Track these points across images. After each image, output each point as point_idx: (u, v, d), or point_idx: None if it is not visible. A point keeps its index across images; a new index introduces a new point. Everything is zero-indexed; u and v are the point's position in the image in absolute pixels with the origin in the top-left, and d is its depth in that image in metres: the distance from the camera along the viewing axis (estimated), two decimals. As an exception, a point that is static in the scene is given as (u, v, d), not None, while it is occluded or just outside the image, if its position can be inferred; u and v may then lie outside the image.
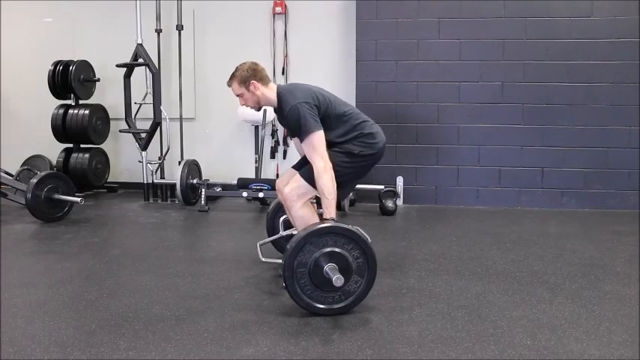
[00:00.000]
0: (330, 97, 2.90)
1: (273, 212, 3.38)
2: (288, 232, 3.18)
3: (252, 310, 2.65)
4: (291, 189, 2.79)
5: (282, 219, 3.22)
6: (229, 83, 2.99)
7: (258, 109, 3.02)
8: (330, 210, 2.64)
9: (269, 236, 3.35)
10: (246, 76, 2.90)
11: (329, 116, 2.82)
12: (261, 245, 3.24)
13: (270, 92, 2.91)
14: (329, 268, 2.49)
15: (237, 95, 2.98)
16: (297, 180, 2.80)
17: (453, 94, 5.19)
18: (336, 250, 2.52)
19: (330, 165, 2.69)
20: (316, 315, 2.55)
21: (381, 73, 5.24)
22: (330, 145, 2.80)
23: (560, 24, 5.02)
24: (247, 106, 2.99)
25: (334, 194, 2.66)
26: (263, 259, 3.11)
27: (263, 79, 2.91)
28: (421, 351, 2.22)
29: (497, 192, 5.23)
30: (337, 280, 2.43)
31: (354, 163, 2.86)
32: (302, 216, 2.77)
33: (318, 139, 2.71)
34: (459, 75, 5.16)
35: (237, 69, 2.96)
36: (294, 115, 2.73)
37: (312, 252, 2.51)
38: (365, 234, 2.61)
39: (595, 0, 4.97)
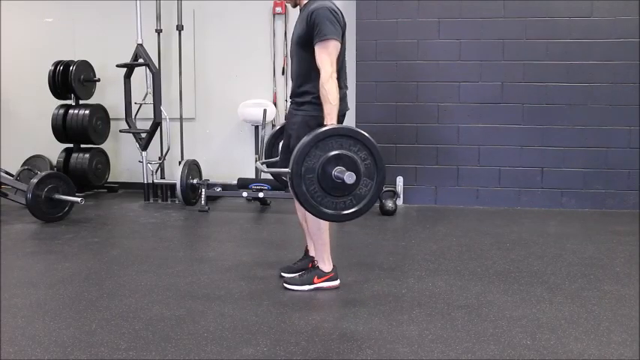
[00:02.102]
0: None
1: (271, 141, 3.28)
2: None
3: (252, 310, 2.65)
4: None
5: (281, 143, 3.12)
6: None
7: (294, 6, 2.89)
8: (332, 116, 2.59)
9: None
10: None
11: (343, 46, 2.74)
12: (261, 163, 3.12)
13: None
14: (338, 171, 2.40)
15: None
16: None
17: (453, 94, 5.19)
18: (343, 152, 2.43)
19: (335, 74, 2.63)
20: (329, 220, 2.45)
21: (381, 73, 5.24)
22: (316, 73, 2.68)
23: (560, 24, 5.02)
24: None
25: (337, 101, 2.60)
26: (265, 170, 3.00)
27: None
28: (421, 351, 2.22)
29: (497, 192, 5.23)
30: (349, 177, 2.35)
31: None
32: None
33: (333, 46, 2.64)
34: (459, 75, 5.16)
35: None
36: (322, 14, 2.63)
37: (318, 156, 2.41)
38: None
39: (595, 0, 4.97)
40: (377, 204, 5.04)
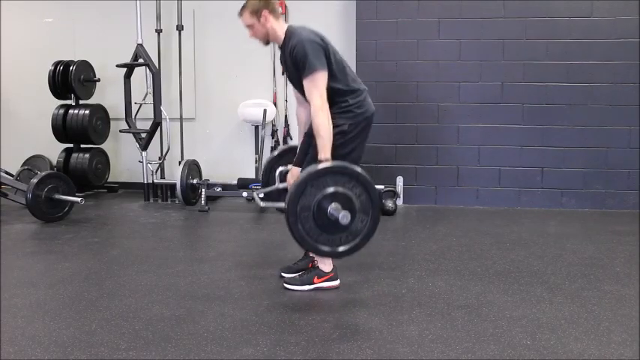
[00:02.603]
0: (335, 50, 2.84)
1: (269, 166, 3.26)
2: (284, 184, 3.09)
3: (252, 310, 2.65)
4: None
5: (277, 171, 3.14)
6: (240, 13, 2.86)
7: (266, 43, 2.93)
8: (324, 150, 2.59)
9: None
10: (259, 6, 2.78)
11: (333, 66, 2.75)
12: (258, 194, 3.15)
13: (279, 27, 2.83)
14: (333, 208, 2.42)
15: (247, 26, 2.87)
16: None
17: (453, 94, 5.19)
18: (338, 189, 2.45)
19: (327, 106, 2.64)
20: (326, 256, 2.48)
21: (381, 73, 5.24)
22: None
23: (560, 24, 5.02)
24: (256, 38, 2.90)
25: (329, 134, 2.61)
26: (262, 204, 3.01)
27: (275, 12, 2.82)
28: (421, 351, 2.22)
29: (497, 192, 5.23)
30: (343, 217, 2.37)
31: (349, 140, 2.78)
32: None
33: (320, 77, 2.66)
34: (459, 75, 5.16)
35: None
36: (301, 49, 2.66)
37: (314, 194, 2.44)
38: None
39: (595, 0, 4.97)
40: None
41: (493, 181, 5.22)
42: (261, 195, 3.20)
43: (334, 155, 2.65)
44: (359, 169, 2.50)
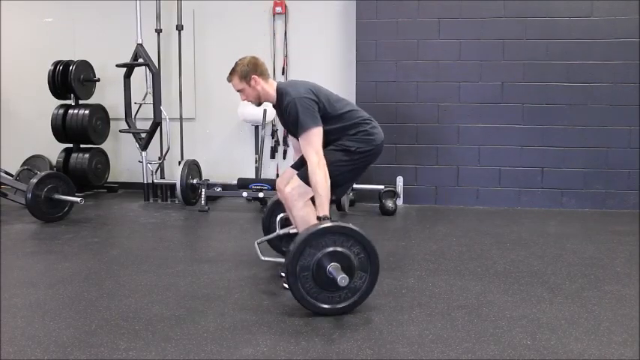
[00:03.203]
0: (328, 93, 2.89)
1: (269, 211, 3.36)
2: (284, 230, 3.18)
3: (252, 310, 2.65)
4: (292, 188, 2.78)
5: (278, 218, 3.21)
6: (229, 79, 2.94)
7: (259, 104, 3.00)
8: (323, 207, 2.63)
9: (265, 235, 3.34)
10: (247, 71, 2.86)
11: (328, 113, 2.81)
12: (258, 244, 3.24)
13: (270, 88, 2.90)
14: (332, 268, 2.49)
15: (238, 91, 2.94)
16: (297, 180, 2.80)
17: (453, 94, 5.19)
18: (337, 249, 2.52)
19: (324, 162, 2.67)
20: (324, 315, 2.54)
21: (381, 73, 5.24)
22: (328, 140, 2.80)
23: (560, 24, 5.02)
24: (249, 101, 2.97)
25: (327, 191, 2.65)
26: (263, 258, 3.11)
27: (263, 74, 2.90)
28: (421, 351, 2.22)
29: (497, 192, 5.23)
30: (342, 280, 2.43)
31: (351, 161, 2.85)
32: (303, 216, 2.77)
33: (315, 134, 2.70)
34: (459, 75, 5.16)
35: (237, 64, 2.91)
36: (293, 109, 2.72)
37: (313, 255, 2.51)
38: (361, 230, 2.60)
39: (595, 0, 4.97)
40: (377, 204, 5.04)
41: (493, 181, 5.22)
42: (264, 242, 3.29)
43: (332, 168, 2.69)
44: (358, 229, 2.56)
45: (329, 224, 2.55)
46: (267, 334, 2.38)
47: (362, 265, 2.57)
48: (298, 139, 2.78)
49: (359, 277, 2.57)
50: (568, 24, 5.01)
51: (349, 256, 2.53)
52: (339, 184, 2.82)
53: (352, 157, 2.84)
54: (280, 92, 2.86)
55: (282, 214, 3.22)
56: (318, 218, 2.62)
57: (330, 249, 2.52)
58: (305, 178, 2.73)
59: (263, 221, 3.40)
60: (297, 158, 3.08)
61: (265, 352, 2.20)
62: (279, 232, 3.21)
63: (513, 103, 5.13)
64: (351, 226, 2.57)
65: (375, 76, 5.25)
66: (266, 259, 3.14)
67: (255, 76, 2.86)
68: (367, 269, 2.58)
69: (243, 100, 2.99)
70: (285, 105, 2.78)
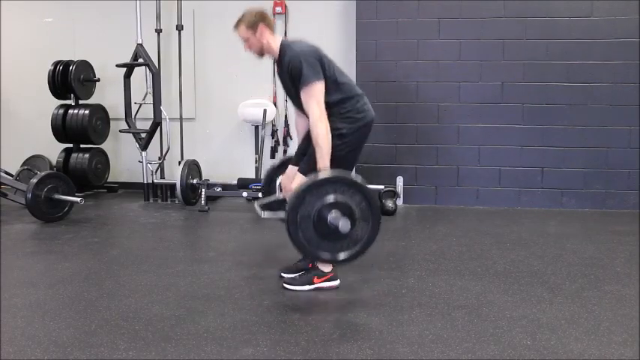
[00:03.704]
0: (331, 60, 2.85)
1: (269, 176, 3.28)
2: (284, 194, 3.10)
3: (252, 310, 2.65)
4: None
5: (278, 181, 3.16)
6: (236, 26, 2.90)
7: (261, 56, 2.95)
8: (323, 160, 2.62)
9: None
10: (255, 21, 2.84)
11: (328, 77, 2.77)
12: (259, 205, 3.19)
13: (274, 41, 2.86)
14: (333, 216, 2.44)
15: (243, 39, 2.90)
16: (300, 176, 2.78)
17: (453, 94, 5.19)
18: (338, 198, 2.48)
19: (325, 115, 2.66)
20: (326, 263, 2.50)
21: (381, 73, 5.24)
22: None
23: (560, 24, 5.02)
24: (251, 51, 2.92)
25: (328, 144, 2.64)
26: (263, 216, 3.04)
27: (270, 27, 2.87)
28: (421, 351, 2.22)
29: (497, 192, 5.23)
30: (343, 225, 2.40)
31: (345, 144, 2.80)
32: None
33: (317, 88, 2.68)
34: (459, 75, 5.16)
35: (244, 13, 2.89)
36: (297, 62, 2.69)
37: (313, 203, 2.46)
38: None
39: (595, 0, 4.97)
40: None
41: (493, 181, 5.22)
42: (262, 205, 3.19)
43: (331, 157, 2.67)
44: (358, 178, 2.53)
45: (329, 174, 2.52)
46: (267, 334, 2.38)
47: (363, 214, 2.51)
48: (300, 94, 2.72)
49: (360, 227, 2.52)
50: (568, 24, 5.01)
51: (350, 206, 2.48)
52: (339, 169, 2.79)
53: (344, 140, 2.79)
54: (284, 47, 2.82)
55: (281, 178, 3.15)
56: (318, 170, 2.59)
57: (331, 198, 2.47)
58: (305, 171, 2.72)
59: (262, 186, 3.32)
60: (295, 153, 3.06)
61: (265, 352, 2.20)
62: (279, 195, 3.14)
63: (513, 103, 5.13)
64: (351, 175, 2.54)
65: (375, 76, 5.24)
66: (266, 215, 3.07)
67: (263, 27, 2.83)
68: (368, 219, 2.53)
69: (246, 49, 2.93)
70: (287, 59, 2.75)
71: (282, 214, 2.59)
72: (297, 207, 2.45)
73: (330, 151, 2.66)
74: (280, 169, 3.20)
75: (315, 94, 2.68)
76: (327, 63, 2.79)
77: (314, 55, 2.74)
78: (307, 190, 2.46)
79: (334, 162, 2.70)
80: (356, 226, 2.50)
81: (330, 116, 2.76)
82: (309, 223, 2.47)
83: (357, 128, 2.82)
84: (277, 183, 3.18)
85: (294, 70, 2.72)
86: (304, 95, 2.71)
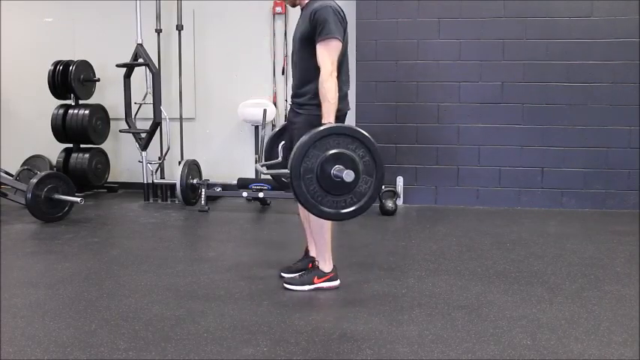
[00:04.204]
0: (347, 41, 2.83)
1: (270, 143, 3.25)
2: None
3: (252, 310, 2.65)
4: None
5: (280, 145, 3.12)
6: None
7: (293, 5, 2.91)
8: (329, 114, 2.60)
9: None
10: None
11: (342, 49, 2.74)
12: (261, 166, 3.15)
13: None
14: (336, 169, 2.41)
15: None
16: None
17: (453, 94, 5.19)
18: (341, 150, 2.44)
19: (336, 73, 2.65)
20: (329, 219, 2.47)
21: (381, 73, 5.24)
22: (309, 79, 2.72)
23: (560, 24, 5.02)
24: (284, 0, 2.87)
25: (335, 100, 2.62)
26: (266, 171, 2.99)
27: None
28: (421, 351, 2.22)
29: (497, 192, 5.23)
30: (347, 175, 2.36)
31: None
32: (322, 224, 2.78)
33: (335, 45, 2.66)
34: (459, 75, 5.16)
35: None
36: (326, 13, 2.64)
37: (317, 156, 2.42)
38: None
39: (595, 0, 4.97)
40: (377, 204, 5.03)
41: (493, 181, 5.22)
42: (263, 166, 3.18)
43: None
44: (362, 131, 2.48)
45: (332, 125, 2.50)
46: (267, 334, 2.38)
47: (367, 168, 2.47)
48: (317, 45, 2.65)
49: (364, 181, 2.48)
50: (568, 24, 5.01)
51: (354, 159, 2.44)
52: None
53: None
54: None
55: (283, 143, 3.12)
56: (323, 124, 2.57)
57: (335, 150, 2.43)
58: None
59: (265, 149, 3.27)
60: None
61: (265, 352, 2.20)
62: (281, 159, 3.11)
63: (513, 103, 5.13)
64: (356, 128, 2.51)
65: (375, 76, 5.24)
66: (268, 171, 3.03)
67: None
68: (372, 174, 2.49)
69: None
70: (316, 7, 2.67)
71: (284, 171, 2.53)
72: (300, 160, 2.40)
73: (337, 106, 2.62)
74: (281, 135, 3.16)
75: (331, 50, 2.65)
76: (346, 36, 2.78)
77: (343, 18, 2.73)
78: (311, 143, 2.41)
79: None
80: (360, 180, 2.46)
81: (317, 93, 2.71)
82: (312, 177, 2.42)
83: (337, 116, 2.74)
84: (279, 147, 3.13)
85: (319, 19, 2.65)
86: (320, 47, 2.65)
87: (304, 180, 2.42)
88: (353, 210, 2.50)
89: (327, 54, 2.65)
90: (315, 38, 2.67)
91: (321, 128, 2.46)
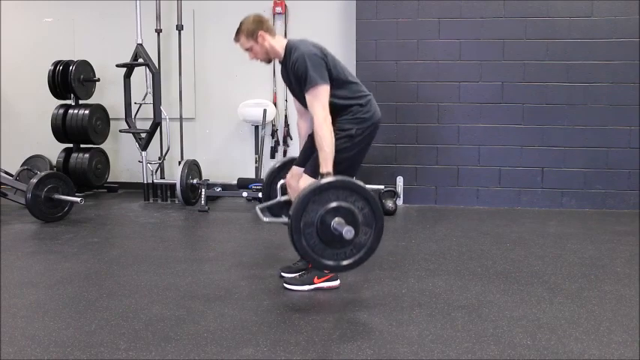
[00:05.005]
0: (336, 60, 2.85)
1: (270, 178, 3.27)
2: (285, 197, 3.12)
3: (252, 310, 2.65)
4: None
5: (279, 184, 3.16)
6: (236, 39, 2.91)
7: (268, 62, 2.95)
8: (326, 163, 2.60)
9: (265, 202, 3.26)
10: (253, 29, 2.83)
11: (334, 76, 2.77)
12: (260, 209, 3.19)
13: (277, 44, 2.85)
14: (336, 223, 2.43)
15: (246, 49, 2.90)
16: (307, 177, 2.77)
17: (453, 94, 5.19)
18: (340, 204, 2.46)
19: (330, 118, 2.65)
20: (330, 271, 2.50)
21: (381, 73, 5.24)
22: (330, 108, 2.73)
23: (560, 24, 5.02)
24: (257, 59, 2.92)
25: (331, 147, 2.62)
26: (265, 220, 3.05)
27: (270, 30, 2.86)
28: (421, 351, 2.22)
29: (497, 192, 5.23)
30: (347, 232, 2.38)
31: (354, 145, 2.80)
32: None
33: (322, 91, 2.67)
34: (459, 75, 5.16)
35: (242, 23, 2.88)
36: (302, 64, 2.68)
37: (316, 210, 2.44)
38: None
39: (595, 0, 4.97)
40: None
41: (493, 181, 5.22)
42: (264, 209, 3.19)
43: (338, 158, 2.66)
44: (360, 183, 2.52)
45: (332, 179, 2.51)
46: (267, 334, 2.38)
47: (366, 220, 2.50)
48: (305, 95, 2.71)
49: (364, 232, 2.51)
50: (568, 24, 5.01)
51: (353, 211, 2.46)
52: (349, 169, 2.78)
53: (354, 140, 2.80)
54: (289, 48, 2.80)
55: (282, 181, 3.15)
56: (321, 175, 2.59)
57: (334, 204, 2.45)
58: (312, 172, 2.71)
59: (263, 189, 3.31)
60: (300, 153, 3.05)
61: (265, 352, 2.20)
62: (281, 198, 3.15)
63: (513, 103, 5.13)
64: (354, 180, 2.53)
65: (375, 76, 5.24)
66: (268, 220, 3.07)
67: (262, 33, 2.82)
68: (372, 224, 2.51)
69: (252, 58, 2.93)
70: (293, 60, 2.73)
71: (284, 219, 2.58)
72: (300, 214, 2.44)
73: (333, 154, 2.64)
74: (281, 171, 3.19)
75: (319, 97, 2.67)
76: (332, 63, 2.78)
77: (320, 56, 2.73)
78: (310, 197, 2.45)
79: (343, 163, 2.69)
80: (359, 232, 2.49)
81: (338, 116, 2.77)
82: (312, 230, 2.46)
83: (365, 128, 2.83)
84: (278, 186, 3.19)
85: (299, 71, 2.70)
86: (309, 97, 2.69)
87: (304, 235, 2.46)
88: (353, 261, 2.54)
89: (316, 102, 2.67)
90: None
91: (321, 182, 2.49)
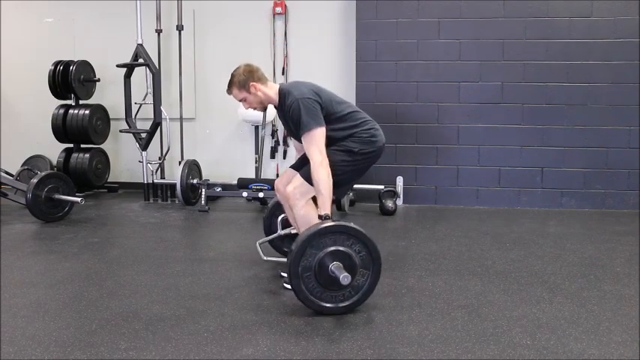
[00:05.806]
0: (331, 95, 2.89)
1: (270, 212, 3.38)
2: (285, 231, 3.19)
3: (252, 310, 2.65)
4: (294, 187, 2.78)
5: (279, 218, 3.24)
6: (229, 91, 2.98)
7: (264, 109, 3.03)
8: (325, 206, 2.63)
9: (266, 236, 3.35)
10: (244, 80, 2.90)
11: (331, 114, 2.81)
12: (260, 244, 3.25)
13: (270, 90, 2.91)
14: (334, 267, 2.49)
15: (240, 100, 2.97)
16: (299, 179, 2.80)
17: (453, 94, 5.19)
18: (338, 248, 2.52)
19: (327, 161, 2.68)
20: (328, 314, 2.55)
21: (381, 73, 5.24)
22: (330, 141, 2.79)
23: (560, 24, 5.02)
24: (253, 108, 2.99)
25: (329, 190, 2.65)
26: (265, 258, 3.11)
27: (261, 79, 2.91)
28: (421, 351, 2.22)
29: (497, 192, 5.23)
30: (344, 278, 2.43)
31: (353, 162, 2.85)
32: (304, 215, 2.77)
33: (318, 134, 2.70)
34: (459, 75, 5.16)
35: (232, 75, 2.95)
36: (296, 109, 2.72)
37: (314, 255, 2.51)
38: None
39: (595, 0, 4.97)
40: (377, 204, 5.04)
41: (493, 181, 5.23)
42: (264, 243, 3.29)
43: (334, 168, 2.69)
44: (357, 227, 2.56)
45: (329, 224, 2.55)
46: (267, 334, 2.38)
47: (364, 263, 2.57)
48: (300, 140, 2.78)
49: (361, 275, 2.57)
50: (568, 24, 5.01)
51: (351, 255, 2.53)
52: (340, 185, 2.83)
53: (355, 157, 2.84)
54: (283, 93, 2.85)
55: (283, 215, 3.23)
56: (320, 217, 2.62)
57: (332, 248, 2.52)
58: (308, 177, 2.73)
59: (264, 222, 3.40)
60: (298, 159, 3.09)
61: (265, 352, 2.20)
62: (281, 232, 3.23)
63: (513, 103, 5.13)
64: (351, 224, 2.57)
65: (375, 76, 5.25)
66: (268, 259, 3.14)
67: (254, 83, 2.88)
68: (369, 267, 2.59)
69: (247, 108, 3.00)
70: (287, 106, 2.78)
71: (284, 259, 2.63)
72: (298, 259, 2.50)
73: (332, 197, 2.67)
74: (281, 205, 3.21)
75: (315, 141, 2.69)
76: (327, 100, 2.82)
77: (313, 99, 2.76)
78: (308, 242, 2.50)
79: (335, 176, 2.70)
80: (357, 275, 2.55)
81: (342, 140, 2.82)
82: (311, 274, 2.52)
83: (368, 152, 2.86)
84: (278, 219, 3.25)
85: (294, 116, 2.74)
86: (305, 141, 2.73)
87: (303, 279, 2.52)
88: (351, 303, 2.59)
89: (312, 146, 2.70)
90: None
91: (319, 227, 2.53)
